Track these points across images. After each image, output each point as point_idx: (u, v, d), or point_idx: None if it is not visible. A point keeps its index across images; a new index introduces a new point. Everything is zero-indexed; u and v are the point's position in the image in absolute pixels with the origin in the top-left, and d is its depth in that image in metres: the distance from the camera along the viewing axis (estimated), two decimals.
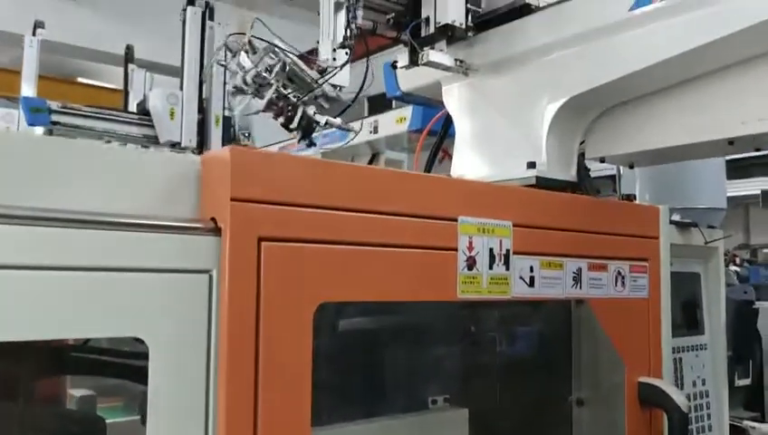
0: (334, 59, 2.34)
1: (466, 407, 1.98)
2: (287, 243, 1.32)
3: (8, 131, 1.20)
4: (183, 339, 1.25)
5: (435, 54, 2.61)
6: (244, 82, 2.20)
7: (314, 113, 2.37)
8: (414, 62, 2.63)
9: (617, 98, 2.49)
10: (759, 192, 5.14)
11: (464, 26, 2.56)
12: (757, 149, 2.46)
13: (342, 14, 2.36)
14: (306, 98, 2.32)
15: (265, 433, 1.26)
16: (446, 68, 2.67)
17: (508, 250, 1.69)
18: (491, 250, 1.65)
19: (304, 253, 1.34)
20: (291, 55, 2.25)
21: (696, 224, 2.49)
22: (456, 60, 2.68)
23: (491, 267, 1.65)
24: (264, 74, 2.21)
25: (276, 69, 2.24)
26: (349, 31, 2.33)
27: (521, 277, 1.72)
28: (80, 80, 11.46)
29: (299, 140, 2.40)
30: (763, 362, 3.81)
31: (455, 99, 2.86)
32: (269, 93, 2.20)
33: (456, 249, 1.59)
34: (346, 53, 2.35)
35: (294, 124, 2.32)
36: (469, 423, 2.18)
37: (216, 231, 1.28)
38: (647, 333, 2.07)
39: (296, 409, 1.30)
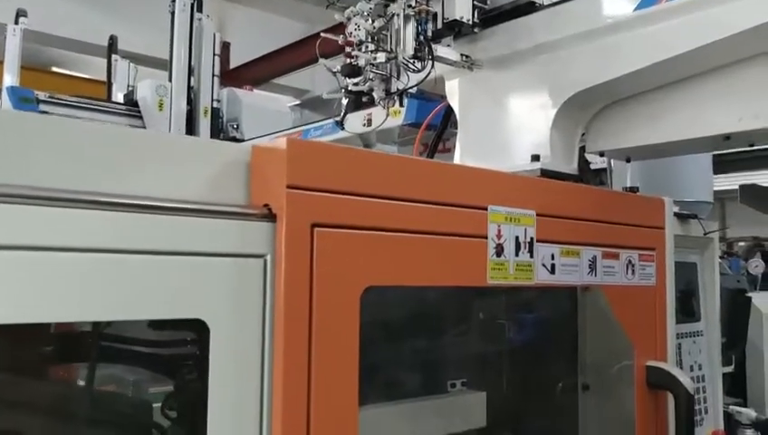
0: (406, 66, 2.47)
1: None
2: (338, 229, 1.37)
3: (71, 120, 1.24)
4: (240, 321, 1.30)
5: (442, 50, 2.68)
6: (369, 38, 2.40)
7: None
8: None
9: (618, 94, 2.58)
10: (737, 187, 5.31)
11: (470, 22, 2.64)
12: (751, 145, 2.57)
13: (411, 27, 2.45)
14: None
15: (318, 410, 1.32)
16: (452, 63, 2.75)
17: (532, 238, 1.76)
18: (517, 238, 1.72)
19: (353, 239, 1.40)
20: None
21: (695, 215, 2.59)
22: (461, 55, 2.76)
23: (517, 254, 1.72)
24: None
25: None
26: (418, 43, 2.43)
27: (543, 264, 1.79)
28: (54, 69, 11.31)
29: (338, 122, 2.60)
30: (746, 351, 3.96)
31: (458, 93, 2.93)
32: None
33: (485, 237, 1.66)
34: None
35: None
36: None
37: (271, 217, 1.33)
38: (653, 318, 2.16)
39: (346, 387, 1.36)
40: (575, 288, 2.28)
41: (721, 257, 4.02)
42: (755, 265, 4.95)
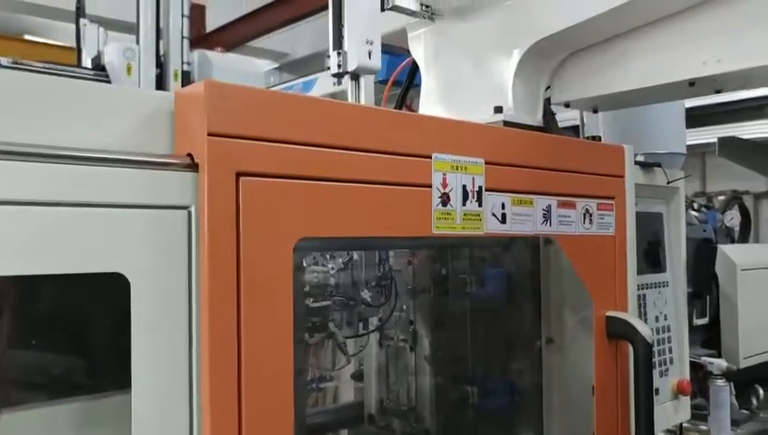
0: None
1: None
2: (265, 178, 1.32)
3: None
4: (164, 275, 1.25)
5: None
6: None
7: None
8: (380, 7, 2.61)
9: (581, 42, 2.52)
10: (715, 140, 5.27)
11: None
12: (718, 91, 2.52)
13: None
14: None
15: (250, 371, 1.28)
16: (412, 13, 2.67)
17: (480, 187, 1.71)
18: (464, 187, 1.67)
19: (283, 188, 1.34)
20: None
21: (659, 164, 2.55)
22: (421, 4, 2.68)
23: (464, 204, 1.67)
24: None
25: None
26: None
27: (493, 214, 1.74)
28: (27, 37, 11.06)
29: None
30: (720, 303, 3.95)
31: (420, 45, 2.85)
32: None
33: (429, 186, 1.61)
34: None
35: None
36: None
37: (194, 167, 1.28)
38: (613, 268, 2.12)
39: (280, 340, 1.32)
40: (537, 243, 2.24)
41: (698, 210, 3.99)
42: (731, 218, 4.93)
